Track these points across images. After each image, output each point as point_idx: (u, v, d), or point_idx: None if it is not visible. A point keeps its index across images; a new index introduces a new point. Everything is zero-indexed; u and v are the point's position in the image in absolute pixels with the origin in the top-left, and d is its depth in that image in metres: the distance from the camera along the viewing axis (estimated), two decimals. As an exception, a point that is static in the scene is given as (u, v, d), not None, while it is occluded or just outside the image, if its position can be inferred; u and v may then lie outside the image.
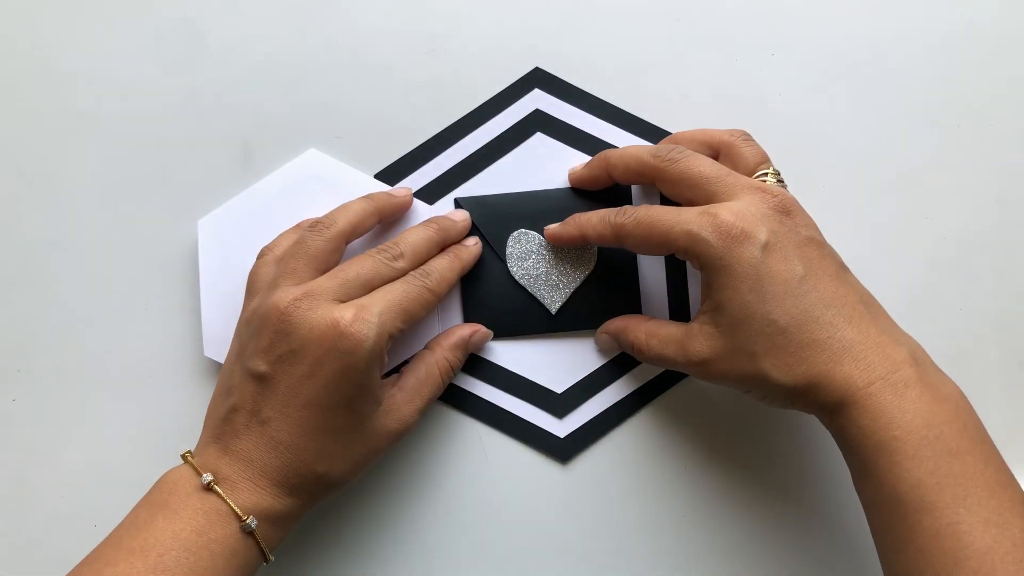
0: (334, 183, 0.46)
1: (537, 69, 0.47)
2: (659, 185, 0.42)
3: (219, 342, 0.45)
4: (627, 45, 0.48)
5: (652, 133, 0.47)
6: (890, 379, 0.36)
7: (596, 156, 0.45)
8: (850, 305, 0.37)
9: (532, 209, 0.46)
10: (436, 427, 0.47)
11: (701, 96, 0.48)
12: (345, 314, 0.37)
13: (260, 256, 0.43)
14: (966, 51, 0.48)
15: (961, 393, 0.37)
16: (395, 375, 0.43)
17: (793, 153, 0.46)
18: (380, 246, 0.42)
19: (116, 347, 0.47)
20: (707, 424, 0.47)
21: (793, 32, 0.48)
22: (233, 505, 0.36)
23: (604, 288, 0.46)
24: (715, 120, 0.45)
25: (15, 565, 0.46)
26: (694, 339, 0.40)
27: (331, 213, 0.43)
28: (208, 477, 0.37)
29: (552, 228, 0.44)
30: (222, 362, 0.44)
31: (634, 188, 0.47)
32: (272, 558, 0.38)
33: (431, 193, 0.47)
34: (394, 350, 0.45)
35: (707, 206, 0.39)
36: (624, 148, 0.43)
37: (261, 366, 0.38)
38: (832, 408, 0.37)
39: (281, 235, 0.44)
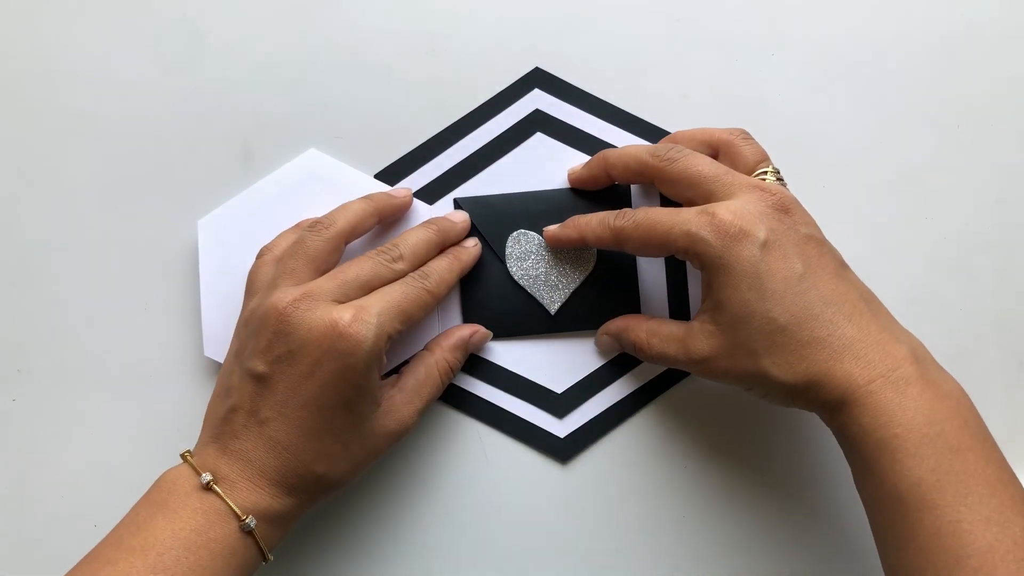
0: (334, 183, 0.46)
1: (537, 69, 0.47)
2: (658, 185, 0.42)
3: (219, 342, 0.45)
4: (627, 45, 0.48)
5: (652, 133, 0.47)
6: (891, 376, 0.36)
7: (595, 156, 0.45)
8: (850, 303, 0.37)
9: (532, 209, 0.46)
10: (436, 427, 0.47)
11: (701, 96, 0.48)
12: (344, 315, 0.37)
13: (259, 256, 0.43)
14: (966, 51, 0.48)
15: (962, 390, 0.37)
16: (394, 376, 0.43)
17: (793, 153, 0.46)
18: (380, 247, 0.42)
19: (116, 347, 0.47)
20: (707, 424, 0.47)
21: (793, 32, 0.48)
22: (232, 505, 0.36)
23: (603, 288, 0.46)
24: (715, 120, 0.45)
25: (15, 565, 0.46)
26: (695, 337, 0.40)
27: (331, 213, 0.43)
28: (207, 477, 0.37)
29: (551, 230, 0.44)
30: (222, 362, 0.44)
31: (633, 188, 0.47)
32: (271, 558, 0.38)
33: (431, 193, 0.47)
34: (393, 351, 0.45)
35: (705, 206, 0.39)
36: (623, 148, 0.43)
37: (260, 366, 0.38)
38: (833, 406, 0.37)
39: (280, 235, 0.44)
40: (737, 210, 0.38)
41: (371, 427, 0.39)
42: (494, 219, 0.46)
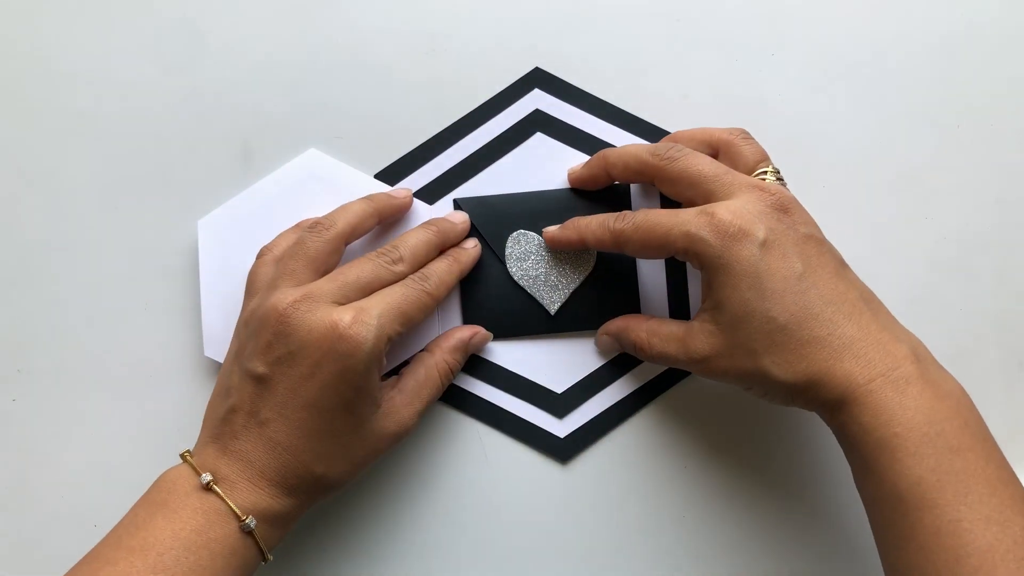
0: (334, 183, 0.46)
1: (537, 69, 0.47)
2: (658, 184, 0.42)
3: (219, 342, 0.45)
4: (627, 45, 0.48)
5: (652, 133, 0.47)
6: (891, 376, 0.36)
7: (595, 155, 0.45)
8: (850, 302, 0.37)
9: (532, 210, 0.46)
10: (436, 427, 0.47)
11: (701, 96, 0.48)
12: (344, 316, 0.37)
13: (259, 256, 0.43)
14: (966, 51, 0.48)
15: (962, 389, 0.37)
16: (394, 377, 0.43)
17: (793, 153, 0.46)
18: (380, 249, 0.42)
19: (116, 347, 0.47)
20: (707, 424, 0.47)
21: (793, 32, 0.48)
22: (232, 505, 0.36)
23: (603, 289, 0.46)
24: (715, 120, 0.45)
25: (15, 565, 0.46)
26: (695, 337, 0.40)
27: (331, 214, 0.42)
28: (207, 477, 0.37)
29: (551, 231, 0.44)
30: (222, 362, 0.44)
31: (633, 188, 0.47)
32: (271, 558, 0.38)
33: (431, 193, 0.47)
34: (393, 351, 0.45)
35: (705, 206, 0.39)
36: (623, 147, 0.43)
37: (260, 367, 0.38)
38: (833, 405, 0.37)
39: (280, 235, 0.44)
40: (736, 210, 0.38)
41: (371, 428, 0.39)
42: (494, 219, 0.46)
